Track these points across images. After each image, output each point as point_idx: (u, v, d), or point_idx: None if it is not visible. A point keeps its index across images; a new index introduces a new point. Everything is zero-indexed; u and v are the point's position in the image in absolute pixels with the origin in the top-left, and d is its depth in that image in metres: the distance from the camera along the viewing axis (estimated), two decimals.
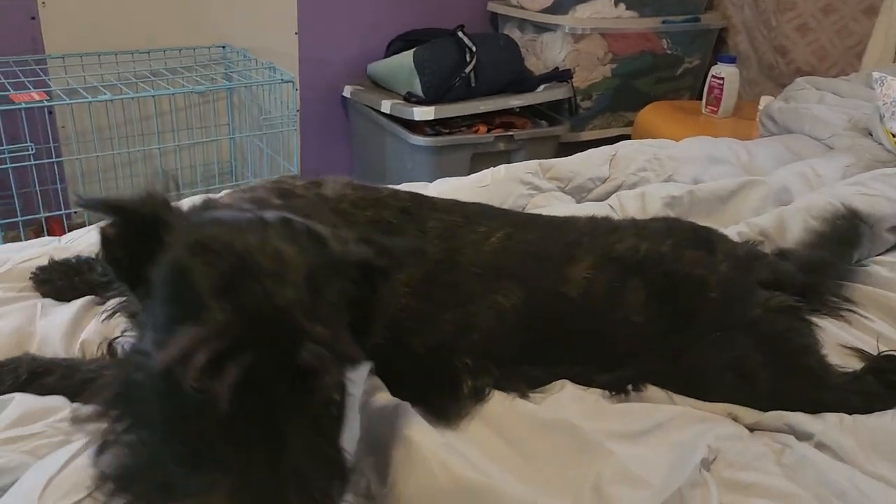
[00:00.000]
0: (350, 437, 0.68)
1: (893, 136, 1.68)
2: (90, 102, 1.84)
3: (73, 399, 0.80)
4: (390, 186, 0.98)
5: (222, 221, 0.60)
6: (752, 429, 0.88)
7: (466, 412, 0.83)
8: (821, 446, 0.83)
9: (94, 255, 1.07)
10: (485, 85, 2.43)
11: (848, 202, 1.27)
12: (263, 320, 0.52)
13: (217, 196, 0.83)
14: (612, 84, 2.74)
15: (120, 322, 0.83)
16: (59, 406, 0.79)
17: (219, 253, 0.55)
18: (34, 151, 1.77)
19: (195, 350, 0.51)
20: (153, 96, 1.95)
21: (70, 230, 1.26)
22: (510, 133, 2.44)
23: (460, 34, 2.43)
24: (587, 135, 2.78)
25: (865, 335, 1.05)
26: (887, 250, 1.30)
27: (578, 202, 1.49)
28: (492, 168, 1.50)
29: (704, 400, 0.90)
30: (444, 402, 0.83)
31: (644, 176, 1.55)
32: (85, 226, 1.30)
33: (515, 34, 2.76)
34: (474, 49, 2.40)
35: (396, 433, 0.74)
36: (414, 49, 2.40)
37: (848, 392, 0.90)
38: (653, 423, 0.85)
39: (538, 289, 0.90)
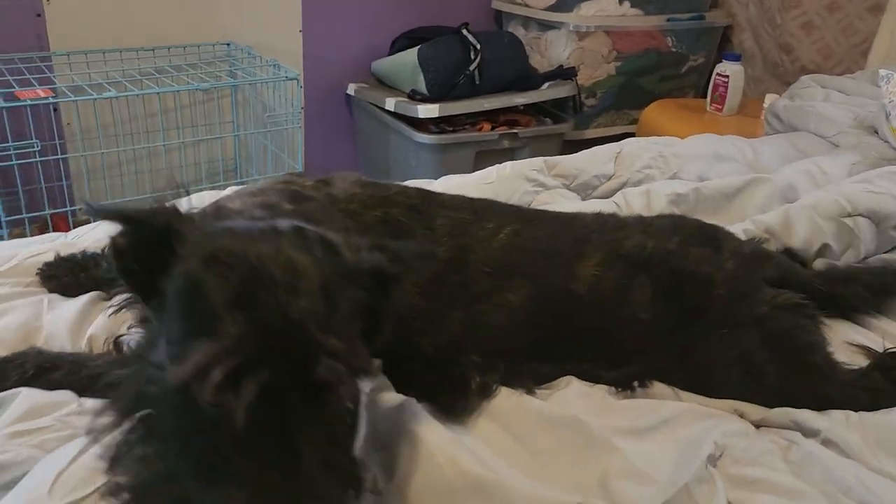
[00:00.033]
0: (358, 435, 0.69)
1: None
2: (95, 99, 1.84)
3: (80, 394, 0.80)
4: (399, 183, 0.98)
5: (235, 232, 0.59)
6: (758, 425, 0.88)
7: (474, 408, 0.84)
8: (827, 443, 0.83)
9: (99, 251, 1.07)
10: (489, 83, 2.42)
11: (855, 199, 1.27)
12: (277, 333, 0.52)
13: (225, 196, 0.83)
14: (617, 82, 2.74)
15: (126, 317, 0.84)
16: (66, 400, 0.79)
17: (232, 265, 0.55)
18: (39, 148, 1.77)
19: (211, 366, 0.51)
20: (158, 93, 1.95)
21: (75, 227, 1.26)
22: (514, 131, 2.43)
23: (465, 32, 2.43)
24: (591, 133, 2.77)
25: (872, 332, 1.06)
26: (893, 248, 1.30)
27: (584, 199, 1.49)
28: (497, 165, 1.50)
29: (711, 396, 0.90)
30: (452, 398, 0.83)
31: (649, 173, 1.55)
32: (90, 222, 1.30)
33: (520, 32, 2.76)
34: (479, 47, 2.39)
35: (403, 429, 0.74)
36: (418, 47, 2.40)
37: (854, 389, 0.90)
38: (659, 420, 0.85)
39: (547, 286, 0.90)
